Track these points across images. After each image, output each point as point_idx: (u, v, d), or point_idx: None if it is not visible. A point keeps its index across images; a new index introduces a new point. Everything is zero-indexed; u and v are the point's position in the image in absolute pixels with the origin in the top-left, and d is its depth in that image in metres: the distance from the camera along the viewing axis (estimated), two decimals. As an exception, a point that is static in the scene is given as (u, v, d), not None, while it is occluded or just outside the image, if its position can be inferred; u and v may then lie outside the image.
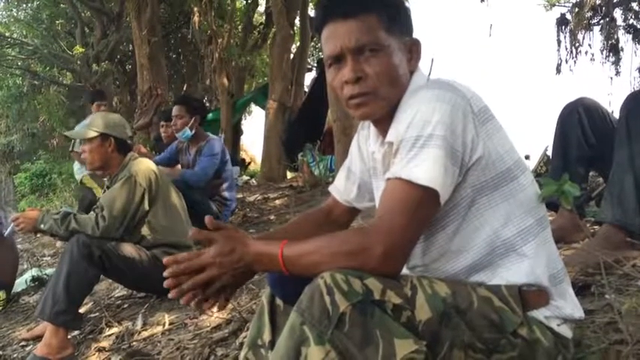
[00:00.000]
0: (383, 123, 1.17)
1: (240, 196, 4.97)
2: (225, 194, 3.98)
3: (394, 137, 1.10)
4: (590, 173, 2.44)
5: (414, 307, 0.98)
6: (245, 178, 6.88)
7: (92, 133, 2.72)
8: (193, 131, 3.89)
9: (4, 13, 13.99)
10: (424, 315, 0.98)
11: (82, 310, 2.64)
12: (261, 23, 11.48)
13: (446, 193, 1.03)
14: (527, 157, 3.78)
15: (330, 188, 1.46)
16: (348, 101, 1.15)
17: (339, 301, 0.93)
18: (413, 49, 1.18)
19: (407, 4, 1.21)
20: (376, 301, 0.96)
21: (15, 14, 13.76)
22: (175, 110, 3.97)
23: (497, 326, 1.02)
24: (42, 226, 2.59)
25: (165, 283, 1.09)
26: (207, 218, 1.15)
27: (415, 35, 1.20)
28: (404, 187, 1.02)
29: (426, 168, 1.00)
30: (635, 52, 8.59)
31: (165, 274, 1.09)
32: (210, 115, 9.11)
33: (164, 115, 5.06)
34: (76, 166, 5.42)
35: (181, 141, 4.05)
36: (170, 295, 1.08)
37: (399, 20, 1.15)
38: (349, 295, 0.94)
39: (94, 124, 2.76)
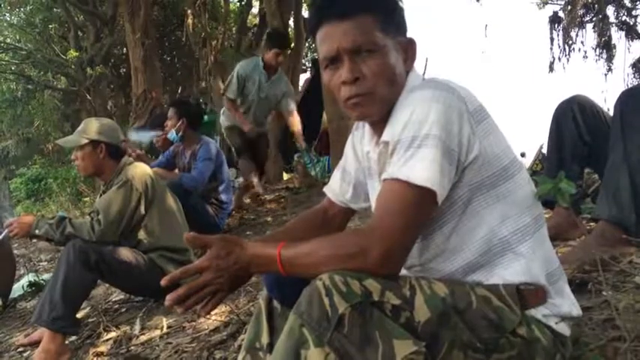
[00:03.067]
0: (379, 123, 1.17)
1: (236, 197, 4.96)
2: (222, 197, 3.99)
3: (390, 137, 1.10)
4: (586, 170, 2.44)
5: (412, 307, 0.98)
6: (241, 179, 6.85)
7: (83, 141, 2.72)
8: (180, 134, 3.93)
9: (-4, 18, 13.95)
10: (423, 315, 0.98)
11: (79, 315, 2.64)
12: (255, 25, 11.47)
13: (443, 193, 1.03)
14: (522, 155, 3.80)
15: (325, 189, 1.46)
16: (346, 102, 1.14)
17: (337, 303, 0.93)
18: (408, 49, 1.18)
19: (401, 4, 1.21)
20: (375, 303, 0.96)
21: (8, 19, 13.72)
22: (169, 112, 4.09)
23: (496, 326, 1.02)
24: (37, 231, 2.59)
25: (163, 282, 1.09)
26: (186, 235, 1.13)
27: (409, 35, 1.20)
28: (401, 188, 1.02)
29: (422, 168, 1.00)
30: (628, 48, 8.63)
31: (162, 282, 1.09)
32: (205, 118, 9.07)
33: (156, 122, 5.07)
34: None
35: (177, 144, 4.10)
36: (166, 303, 1.07)
37: (394, 20, 1.15)
38: (348, 297, 0.94)
39: (85, 130, 2.75)
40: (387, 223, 1.01)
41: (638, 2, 8.47)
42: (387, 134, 1.12)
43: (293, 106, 4.82)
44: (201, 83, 11.46)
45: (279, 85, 4.74)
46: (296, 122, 4.75)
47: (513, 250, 1.09)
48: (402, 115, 1.06)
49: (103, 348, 2.45)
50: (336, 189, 1.42)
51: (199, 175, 3.78)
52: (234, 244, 1.10)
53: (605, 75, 8.84)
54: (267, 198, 4.97)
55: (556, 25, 8.93)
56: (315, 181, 5.23)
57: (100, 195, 2.85)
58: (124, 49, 11.28)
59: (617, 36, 8.68)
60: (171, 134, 3.97)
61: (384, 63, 1.11)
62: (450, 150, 1.02)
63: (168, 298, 1.06)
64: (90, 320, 2.87)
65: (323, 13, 1.14)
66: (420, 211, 1.03)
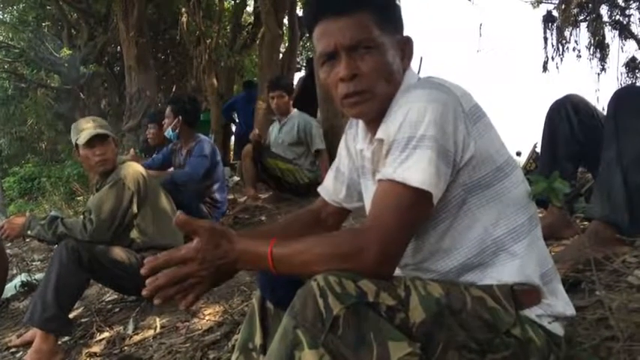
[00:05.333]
0: (373, 121, 1.17)
1: (230, 197, 4.95)
2: (216, 196, 3.98)
3: (384, 135, 1.09)
4: (579, 169, 2.45)
5: (407, 308, 0.97)
6: (236, 178, 6.84)
7: (111, 133, 2.75)
8: (176, 131, 3.94)
9: (-11, 15, 13.85)
10: (418, 316, 0.97)
11: (72, 315, 2.63)
12: (249, 23, 11.46)
13: (438, 194, 1.03)
14: (518, 154, 3.80)
15: (319, 189, 1.45)
16: (343, 99, 1.14)
17: (332, 304, 0.92)
18: (405, 47, 1.17)
19: (397, 1, 1.21)
20: (370, 304, 0.95)
21: (0, 17, 13.63)
22: (166, 111, 4.11)
23: (490, 326, 1.02)
24: (29, 231, 2.58)
25: (143, 271, 1.04)
26: (178, 215, 1.08)
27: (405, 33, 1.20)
28: (397, 189, 1.01)
29: (418, 170, 1.00)
30: (622, 47, 8.67)
31: (142, 270, 1.04)
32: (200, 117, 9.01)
33: (150, 118, 5.08)
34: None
35: (175, 142, 4.12)
36: (143, 293, 1.03)
37: (391, 18, 1.15)
38: (343, 298, 0.93)
39: (105, 125, 2.78)
40: (383, 225, 1.00)
41: (631, 1, 8.51)
42: (382, 132, 1.12)
43: (318, 147, 4.65)
44: (195, 82, 11.43)
45: (292, 126, 4.68)
46: (323, 168, 4.53)
47: (507, 250, 1.09)
48: (398, 115, 1.06)
49: (96, 348, 2.44)
50: (330, 189, 1.41)
51: (192, 170, 3.76)
52: (223, 236, 1.07)
53: (599, 74, 8.88)
54: (261, 197, 4.95)
55: (550, 25, 8.96)
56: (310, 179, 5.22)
57: (93, 194, 2.84)
58: (118, 47, 11.23)
59: (611, 35, 8.72)
60: (168, 132, 4.01)
61: (382, 60, 1.11)
62: (445, 151, 1.02)
63: (147, 288, 1.03)
64: (83, 320, 2.85)
65: (320, 9, 1.14)
66: (415, 213, 1.02)
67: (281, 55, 7.66)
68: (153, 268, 1.05)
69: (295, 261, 1.02)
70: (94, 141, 2.69)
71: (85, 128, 2.71)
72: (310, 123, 4.74)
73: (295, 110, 4.80)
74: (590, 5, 8.54)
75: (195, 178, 3.77)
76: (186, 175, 3.72)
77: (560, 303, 1.12)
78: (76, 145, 2.73)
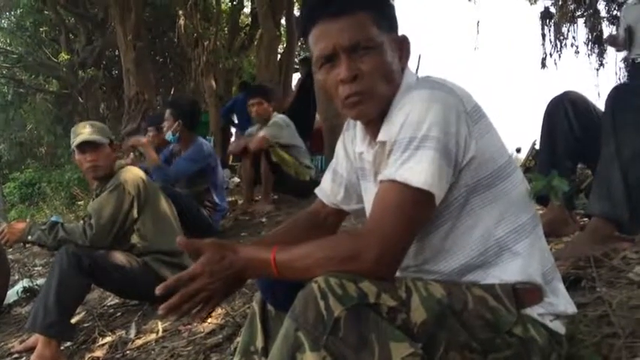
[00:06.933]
0: (373, 123, 1.16)
1: (230, 199, 4.94)
2: (216, 199, 3.97)
3: (387, 137, 1.09)
4: (579, 166, 2.45)
5: (409, 309, 0.98)
6: (236, 180, 6.84)
7: (105, 140, 2.72)
8: (177, 135, 3.94)
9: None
10: (419, 317, 0.97)
11: (74, 320, 2.62)
12: (247, 25, 11.47)
13: (441, 195, 1.02)
14: (518, 150, 3.81)
15: (316, 190, 1.44)
16: (345, 101, 1.13)
17: (333, 306, 0.92)
18: (402, 47, 1.17)
19: (392, 1, 1.21)
20: (371, 305, 0.95)
21: (-2, 22, 13.63)
22: (165, 114, 4.10)
23: (492, 326, 1.02)
24: (29, 237, 2.57)
25: (157, 291, 1.07)
26: (178, 239, 1.13)
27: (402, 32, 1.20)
28: (399, 190, 1.01)
29: (420, 170, 1.00)
30: (620, 43, 8.65)
31: (157, 291, 1.07)
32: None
33: (149, 121, 5.08)
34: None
35: (176, 144, 4.12)
36: (160, 312, 1.06)
37: (387, 17, 1.14)
38: (344, 300, 0.93)
39: (101, 131, 2.74)
40: (384, 226, 1.00)
41: (628, -4, 8.50)
42: (384, 134, 1.11)
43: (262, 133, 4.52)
44: (193, 84, 11.42)
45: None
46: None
47: (510, 249, 1.09)
48: (399, 115, 1.05)
49: (98, 353, 2.44)
50: (327, 190, 1.40)
51: (175, 168, 3.75)
52: (227, 248, 1.09)
53: (597, 70, 8.90)
54: (255, 199, 4.94)
55: (547, 21, 8.97)
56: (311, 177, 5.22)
57: (93, 199, 2.84)
58: (116, 51, 11.23)
59: (609, 30, 8.72)
60: (168, 135, 4.01)
61: (382, 60, 1.10)
62: (447, 151, 1.02)
63: (162, 308, 1.05)
64: (85, 325, 2.85)
65: (317, 11, 1.13)
66: (417, 214, 1.02)
67: (279, 56, 7.66)
68: (166, 289, 1.07)
69: (298, 266, 1.03)
70: (84, 147, 2.68)
71: (80, 133, 2.70)
72: (282, 118, 4.65)
73: (275, 113, 4.70)
74: (587, 1, 8.54)
75: (174, 179, 3.75)
76: (164, 175, 3.68)
77: (561, 301, 1.12)
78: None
